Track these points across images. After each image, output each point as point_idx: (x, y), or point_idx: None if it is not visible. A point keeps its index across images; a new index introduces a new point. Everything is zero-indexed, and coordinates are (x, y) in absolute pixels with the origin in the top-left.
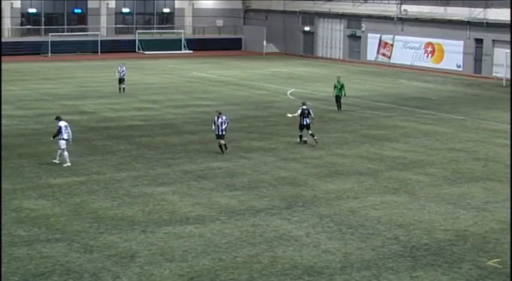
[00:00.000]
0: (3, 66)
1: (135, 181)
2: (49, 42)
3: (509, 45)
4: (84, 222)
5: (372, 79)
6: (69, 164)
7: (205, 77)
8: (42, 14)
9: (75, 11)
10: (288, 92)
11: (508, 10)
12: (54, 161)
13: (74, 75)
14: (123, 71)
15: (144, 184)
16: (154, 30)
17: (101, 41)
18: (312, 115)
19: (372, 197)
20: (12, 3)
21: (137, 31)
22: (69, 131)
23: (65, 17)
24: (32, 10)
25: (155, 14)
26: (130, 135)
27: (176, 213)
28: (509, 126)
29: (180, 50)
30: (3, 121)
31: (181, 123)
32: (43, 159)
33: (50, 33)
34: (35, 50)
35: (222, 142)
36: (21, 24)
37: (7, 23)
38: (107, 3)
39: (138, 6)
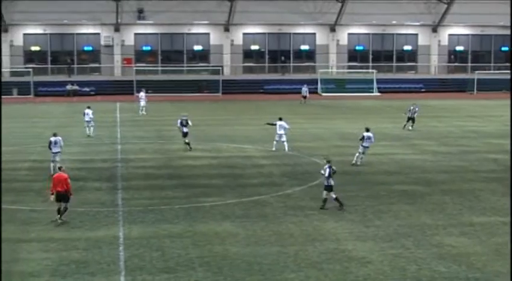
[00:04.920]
0: (431, 102)
1: None
2: (475, 80)
3: None
4: (506, 263)
5: None
6: None
7: None
8: (469, 52)
9: (503, 48)
10: None
11: None
12: None
13: (499, 113)
14: (411, 110)
15: None
16: None
17: None
18: None
19: None
20: (439, 41)
21: None
22: None
23: (492, 55)
24: (460, 48)
25: None
26: None
27: None
28: None
29: None
30: (427, 157)
31: None
32: (466, 196)
33: (476, 71)
34: (460, 87)
35: None
36: (449, 61)
37: (434, 60)
38: None
39: None
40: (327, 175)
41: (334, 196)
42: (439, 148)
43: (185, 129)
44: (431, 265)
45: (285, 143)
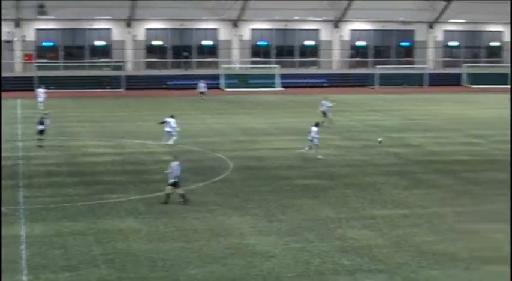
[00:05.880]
0: (333, 97)
1: (459, 216)
2: (376, 75)
3: None
4: (406, 255)
5: None
6: None
7: None
8: (371, 47)
9: (403, 44)
10: None
11: None
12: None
13: (400, 108)
14: (323, 105)
15: (469, 220)
16: (482, 64)
17: (426, 74)
18: None
19: None
20: (341, 36)
21: (464, 65)
22: None
23: (393, 50)
24: (361, 43)
25: (483, 47)
26: (456, 170)
27: (502, 251)
28: None
29: (508, 84)
30: (330, 151)
31: (508, 159)
32: (367, 190)
33: (377, 66)
34: (362, 81)
35: None
36: (351, 56)
37: (336, 55)
38: (434, 37)
39: (466, 40)
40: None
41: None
42: (342, 142)
43: (40, 127)
44: (334, 258)
45: (173, 137)
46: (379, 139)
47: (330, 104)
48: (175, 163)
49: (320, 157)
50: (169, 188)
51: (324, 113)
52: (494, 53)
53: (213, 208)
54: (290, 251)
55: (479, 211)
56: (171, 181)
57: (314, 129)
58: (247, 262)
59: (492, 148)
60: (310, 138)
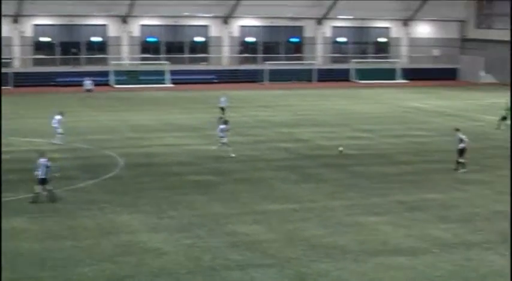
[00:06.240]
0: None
1: (348, 209)
2: (266, 71)
3: None
4: (297, 249)
5: None
6: None
7: (420, 107)
8: (260, 43)
9: (292, 40)
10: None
11: None
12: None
13: (289, 103)
14: (222, 101)
15: (357, 213)
16: (370, 60)
17: (315, 69)
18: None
19: None
20: (231, 33)
21: (352, 60)
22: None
23: (282, 46)
24: (250, 39)
25: (371, 43)
26: (344, 164)
27: (388, 243)
28: None
29: (395, 79)
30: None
31: (396, 153)
32: (258, 185)
33: (266, 62)
34: (251, 77)
35: None
36: (240, 52)
37: (225, 51)
38: (323, 33)
39: (354, 36)
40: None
41: (43, 191)
42: (233, 138)
43: None
44: (225, 253)
45: (58, 135)
46: (340, 148)
47: (223, 99)
48: (43, 160)
49: (233, 155)
50: (38, 187)
51: (223, 109)
52: (381, 49)
53: (104, 206)
54: (181, 247)
55: (367, 204)
56: (40, 177)
57: (222, 127)
58: (139, 260)
59: (380, 142)
60: (220, 136)
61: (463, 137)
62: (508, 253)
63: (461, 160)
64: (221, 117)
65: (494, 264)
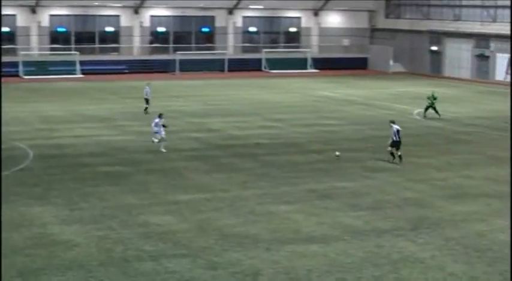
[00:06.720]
0: (135, 83)
1: (259, 198)
2: (177, 61)
3: None
4: (209, 239)
5: (500, 100)
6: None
7: (331, 96)
8: (171, 33)
9: (203, 29)
10: (415, 112)
11: None
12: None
13: (201, 93)
14: (146, 92)
15: (269, 202)
16: (281, 49)
17: (227, 59)
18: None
19: (500, 221)
20: (141, 22)
21: (264, 50)
22: None
23: (193, 36)
24: (161, 29)
25: (282, 33)
26: (256, 154)
27: (300, 232)
28: None
29: (306, 69)
30: (132, 137)
31: (306, 142)
32: (170, 175)
33: (177, 52)
34: (163, 68)
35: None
36: (151, 42)
37: (136, 42)
38: (234, 22)
39: (265, 26)
40: None
41: None
42: (143, 128)
43: None
44: (137, 244)
45: None
46: (337, 153)
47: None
48: None
49: (164, 150)
50: None
51: (147, 101)
52: (292, 39)
53: (14, 199)
54: (93, 239)
55: (278, 193)
56: None
57: (157, 120)
58: (50, 252)
59: (291, 131)
60: (155, 130)
61: (400, 128)
62: (416, 238)
63: (399, 153)
64: (146, 108)
65: (404, 250)
